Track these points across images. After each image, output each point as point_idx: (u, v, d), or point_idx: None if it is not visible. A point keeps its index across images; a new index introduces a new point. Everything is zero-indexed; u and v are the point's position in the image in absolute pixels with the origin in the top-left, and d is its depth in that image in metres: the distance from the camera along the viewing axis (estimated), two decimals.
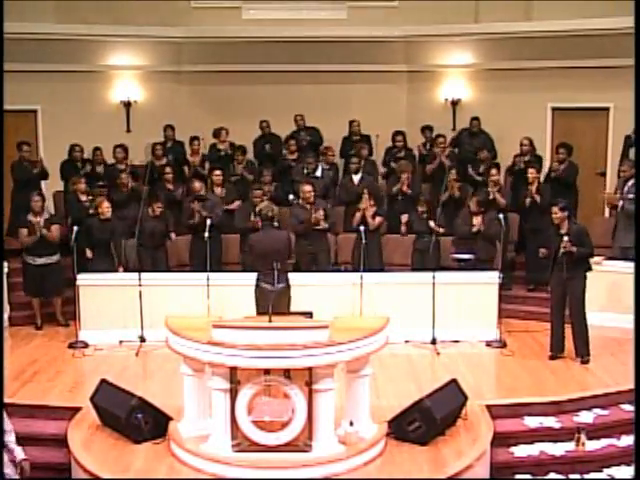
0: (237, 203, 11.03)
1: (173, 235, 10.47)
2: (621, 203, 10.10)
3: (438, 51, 12.85)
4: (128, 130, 12.96)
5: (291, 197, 11.13)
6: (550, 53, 11.96)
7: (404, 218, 10.62)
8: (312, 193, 10.10)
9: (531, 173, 10.50)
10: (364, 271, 9.26)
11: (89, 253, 9.76)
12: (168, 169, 11.33)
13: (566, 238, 8.29)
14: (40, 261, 9.77)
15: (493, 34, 12.37)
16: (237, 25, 12.92)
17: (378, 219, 10.37)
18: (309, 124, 12.70)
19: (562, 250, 8.29)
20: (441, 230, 9.97)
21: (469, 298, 9.31)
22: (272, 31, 12.60)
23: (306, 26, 12.69)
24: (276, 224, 8.85)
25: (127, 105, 12.95)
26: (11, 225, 11.05)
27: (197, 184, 10.75)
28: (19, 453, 5.83)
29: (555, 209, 8.47)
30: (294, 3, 12.98)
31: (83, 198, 10.58)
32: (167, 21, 12.68)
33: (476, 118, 12.28)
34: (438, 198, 10.64)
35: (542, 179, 10.89)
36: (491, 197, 10.46)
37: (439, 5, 12.56)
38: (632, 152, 10.80)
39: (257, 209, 9.95)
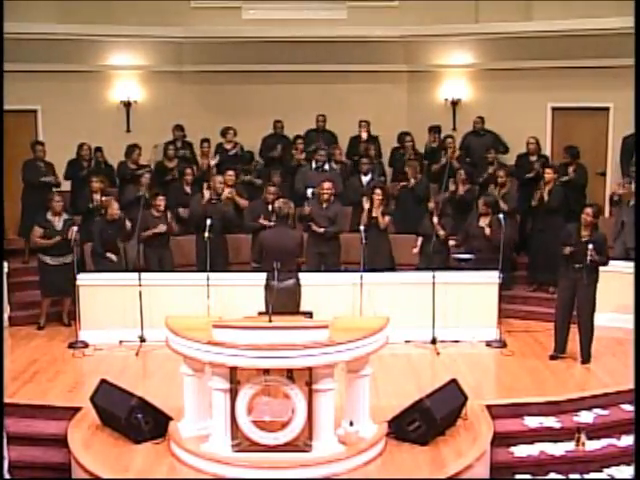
0: (244, 203, 10.92)
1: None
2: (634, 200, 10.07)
3: (438, 51, 12.83)
4: (128, 130, 12.96)
5: (309, 192, 10.94)
6: (550, 53, 11.93)
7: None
8: (330, 191, 10.08)
9: (548, 173, 10.45)
10: (371, 271, 9.24)
11: (113, 257, 9.75)
12: (189, 170, 11.30)
13: (591, 246, 8.20)
14: (58, 261, 9.75)
15: (493, 34, 12.35)
16: (237, 25, 12.91)
17: (387, 218, 10.29)
18: (308, 125, 12.67)
19: (589, 258, 8.19)
20: (442, 232, 9.85)
21: (469, 298, 9.30)
22: (272, 31, 12.57)
23: (306, 26, 12.67)
24: (290, 222, 8.71)
25: (127, 105, 12.94)
26: (23, 225, 10.93)
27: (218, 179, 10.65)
28: None
29: (589, 211, 8.41)
30: (294, 3, 12.95)
31: (97, 197, 10.52)
32: (167, 21, 12.65)
33: (480, 117, 12.27)
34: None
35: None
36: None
37: (439, 5, 12.54)
38: None
39: (275, 206, 9.13)
